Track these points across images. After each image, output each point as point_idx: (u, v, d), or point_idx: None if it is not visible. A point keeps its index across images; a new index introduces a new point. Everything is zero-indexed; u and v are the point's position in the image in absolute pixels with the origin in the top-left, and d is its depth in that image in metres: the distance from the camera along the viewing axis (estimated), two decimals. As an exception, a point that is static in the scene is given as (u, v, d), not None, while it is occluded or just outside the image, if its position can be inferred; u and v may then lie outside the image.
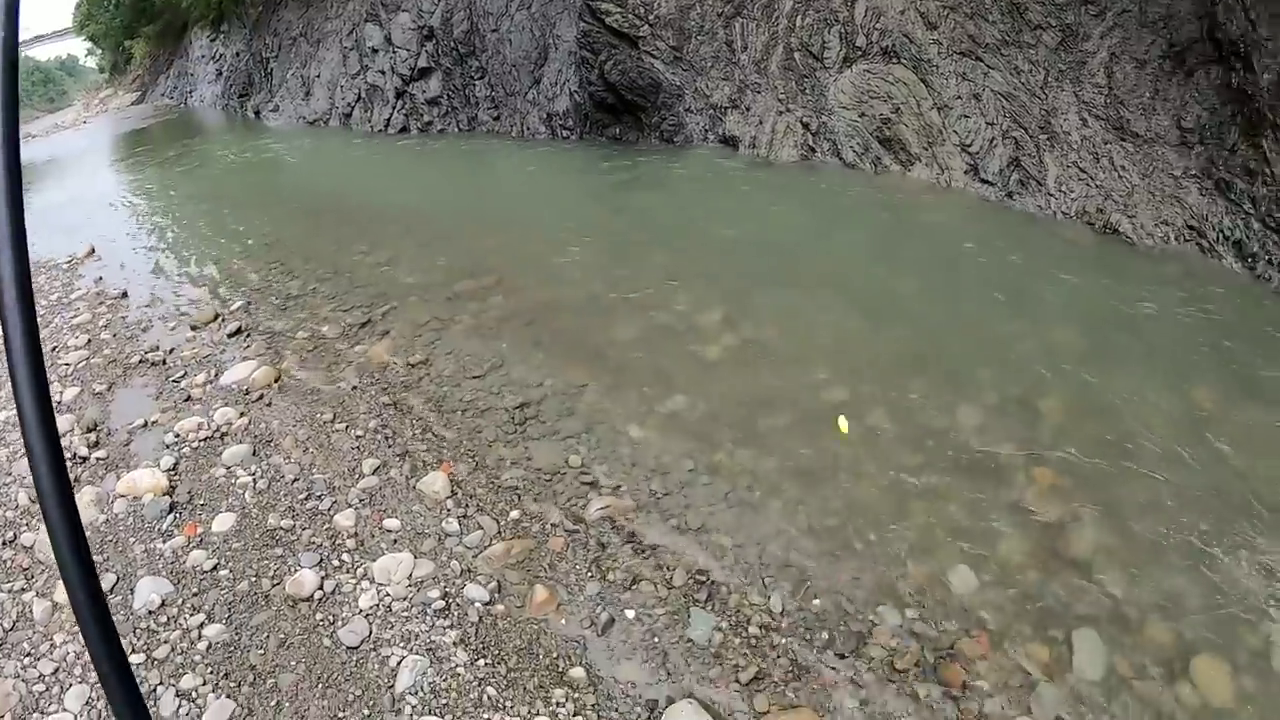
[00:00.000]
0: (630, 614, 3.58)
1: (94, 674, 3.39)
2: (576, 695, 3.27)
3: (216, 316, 6.16)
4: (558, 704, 3.24)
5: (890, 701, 3.27)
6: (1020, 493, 4.26)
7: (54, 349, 6.08)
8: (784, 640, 3.50)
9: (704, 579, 3.76)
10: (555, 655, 3.43)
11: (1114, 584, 3.74)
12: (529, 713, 3.20)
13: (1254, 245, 5.96)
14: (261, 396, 5.16)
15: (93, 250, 8.23)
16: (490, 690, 3.27)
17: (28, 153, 12.29)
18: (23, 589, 3.89)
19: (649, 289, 6.09)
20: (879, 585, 3.77)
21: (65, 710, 3.26)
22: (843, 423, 4.45)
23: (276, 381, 5.30)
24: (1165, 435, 4.53)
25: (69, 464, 4.70)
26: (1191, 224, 6.38)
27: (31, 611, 3.75)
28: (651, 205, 7.25)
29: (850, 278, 6.19)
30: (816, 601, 3.67)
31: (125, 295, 7.00)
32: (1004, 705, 3.25)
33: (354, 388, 5.24)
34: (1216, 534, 3.93)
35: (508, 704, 3.22)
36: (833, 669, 3.38)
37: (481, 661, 3.38)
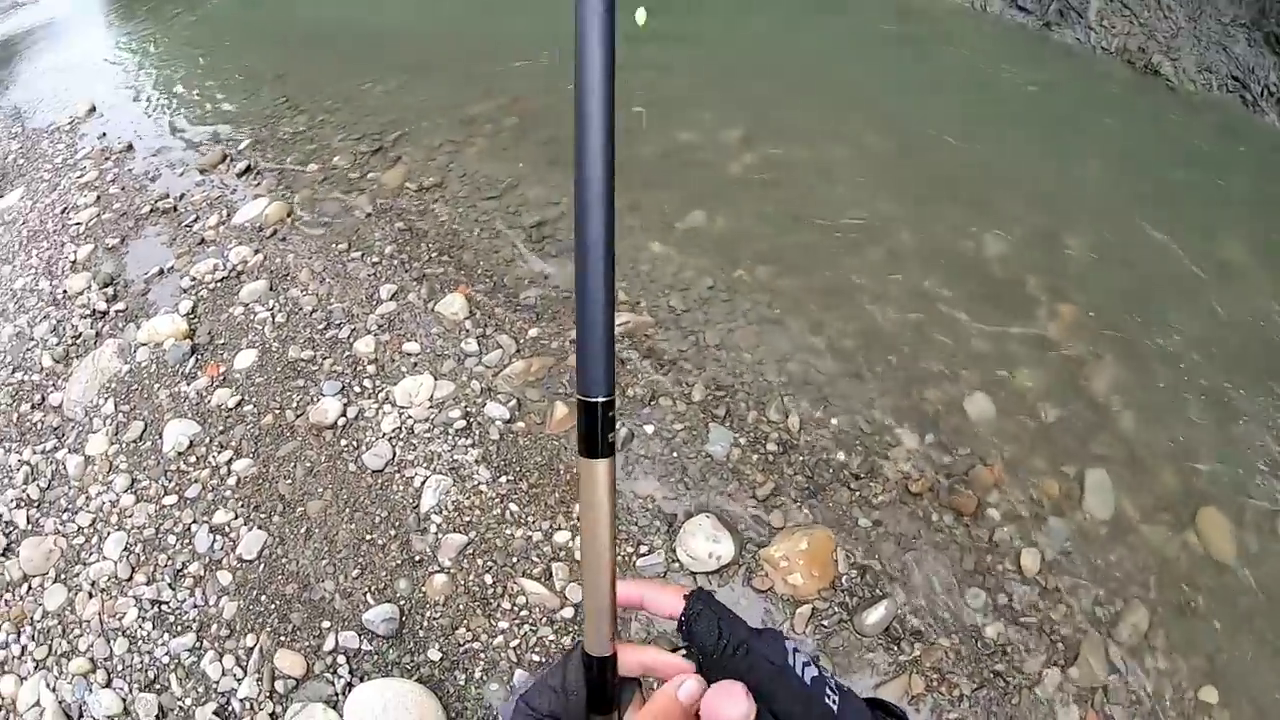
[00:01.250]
0: (649, 429, 3.56)
1: (131, 521, 3.48)
2: (597, 509, 3.32)
3: (225, 158, 5.99)
4: (578, 518, 3.29)
5: (903, 523, 3.26)
6: (1043, 326, 4.11)
7: (63, 210, 5.98)
8: (801, 458, 3.47)
9: (723, 395, 3.71)
10: (576, 471, 3.46)
11: (1130, 427, 3.66)
12: (550, 527, 3.25)
13: (1300, 104, 5.54)
14: (275, 232, 5.06)
15: (93, 108, 7.98)
16: (513, 506, 3.32)
17: (11, 23, 11.78)
18: (55, 448, 3.97)
19: (671, 107, 5.81)
20: (897, 408, 3.70)
21: (105, 558, 3.39)
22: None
23: (289, 216, 5.18)
24: (1193, 284, 4.35)
25: (87, 319, 4.70)
26: (1236, 75, 5.87)
27: (65, 468, 3.83)
28: (677, 26, 6.83)
29: (875, 100, 5.82)
30: (834, 421, 3.62)
31: (131, 148, 6.82)
32: (1013, 535, 3.24)
33: (368, 215, 5.10)
34: (1237, 389, 3.80)
35: (529, 519, 3.28)
36: (848, 489, 3.37)
37: (503, 479, 3.41)
